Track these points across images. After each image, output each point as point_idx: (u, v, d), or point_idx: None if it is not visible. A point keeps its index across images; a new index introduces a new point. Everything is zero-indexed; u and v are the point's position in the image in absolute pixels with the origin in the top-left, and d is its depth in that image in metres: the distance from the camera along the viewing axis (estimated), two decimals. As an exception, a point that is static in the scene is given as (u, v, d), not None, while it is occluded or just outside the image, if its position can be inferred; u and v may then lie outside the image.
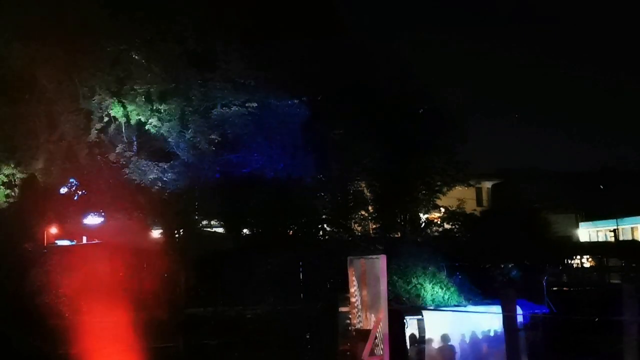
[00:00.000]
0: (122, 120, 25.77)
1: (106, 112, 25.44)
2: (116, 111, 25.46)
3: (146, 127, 25.86)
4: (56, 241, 27.29)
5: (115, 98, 25.37)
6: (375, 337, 19.94)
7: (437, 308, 22.00)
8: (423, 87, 30.58)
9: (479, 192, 44.86)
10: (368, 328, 20.67)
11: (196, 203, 26.77)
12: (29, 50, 23.64)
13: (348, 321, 21.49)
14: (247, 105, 26.75)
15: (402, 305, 22.18)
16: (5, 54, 23.16)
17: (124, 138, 26.03)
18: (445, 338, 21.17)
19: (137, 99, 25.39)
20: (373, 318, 20.61)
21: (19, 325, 19.38)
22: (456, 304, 23.28)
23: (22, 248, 22.63)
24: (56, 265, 22.51)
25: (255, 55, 26.23)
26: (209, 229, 28.21)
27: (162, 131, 25.59)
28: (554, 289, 26.05)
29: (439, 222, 30.63)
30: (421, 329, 21.21)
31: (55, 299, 20.84)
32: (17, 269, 22.27)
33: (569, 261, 31.94)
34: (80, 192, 26.52)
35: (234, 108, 26.45)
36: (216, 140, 26.17)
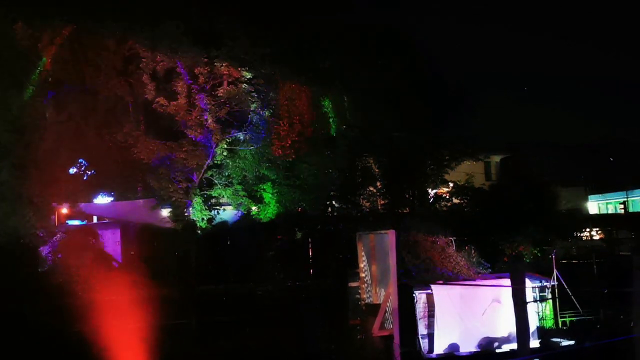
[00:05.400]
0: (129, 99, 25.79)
1: (112, 92, 25.43)
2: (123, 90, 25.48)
3: (153, 106, 25.86)
4: (67, 221, 27.58)
5: (121, 77, 25.37)
6: (385, 311, 20.14)
7: (446, 282, 22.01)
8: (431, 60, 30.35)
9: (487, 166, 44.40)
10: (378, 302, 20.88)
11: (204, 181, 26.84)
12: (33, 30, 23.54)
13: (358, 296, 21.71)
14: (253, 82, 26.66)
15: (411, 279, 22.23)
16: (10, 35, 23.03)
17: (131, 117, 26.03)
18: None
19: (144, 78, 25.38)
20: (383, 292, 20.80)
21: (33, 304, 19.65)
22: (465, 278, 23.29)
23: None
24: (68, 244, 22.77)
25: (260, 32, 26.03)
26: (218, 207, 28.29)
27: (169, 110, 25.57)
28: (563, 261, 25.99)
29: (447, 197, 30.51)
30: (430, 303, 21.28)
31: (68, 278, 21.09)
32: (30, 249, 22.58)
33: (579, 234, 31.76)
34: (89, 172, 26.67)
35: (240, 85, 26.37)
36: (223, 118, 26.14)
